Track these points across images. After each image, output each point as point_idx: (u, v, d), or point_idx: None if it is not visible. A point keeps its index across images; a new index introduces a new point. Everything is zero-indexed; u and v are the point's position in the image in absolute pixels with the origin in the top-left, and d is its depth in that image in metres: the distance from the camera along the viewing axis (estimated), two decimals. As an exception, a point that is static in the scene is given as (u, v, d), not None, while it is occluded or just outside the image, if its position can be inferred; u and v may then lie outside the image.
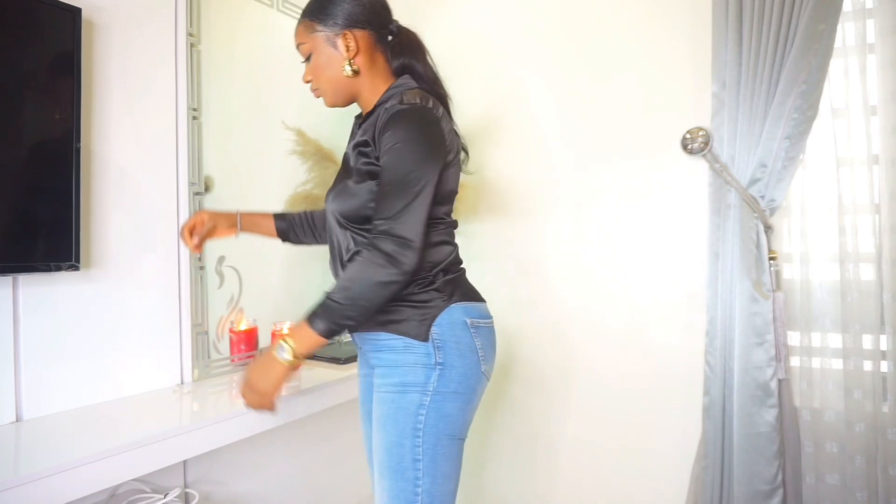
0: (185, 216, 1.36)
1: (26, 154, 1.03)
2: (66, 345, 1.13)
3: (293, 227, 1.32)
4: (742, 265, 1.51)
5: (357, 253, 1.03)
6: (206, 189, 1.43)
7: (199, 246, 1.19)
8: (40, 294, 1.09)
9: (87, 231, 1.16)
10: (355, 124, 1.19)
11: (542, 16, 1.86)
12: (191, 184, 1.37)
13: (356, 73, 1.08)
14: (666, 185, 1.71)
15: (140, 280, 1.26)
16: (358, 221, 1.05)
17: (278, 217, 1.31)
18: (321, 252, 1.83)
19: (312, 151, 1.63)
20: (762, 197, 1.49)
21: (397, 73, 1.12)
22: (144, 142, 1.28)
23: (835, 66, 1.45)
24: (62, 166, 1.07)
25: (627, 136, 1.75)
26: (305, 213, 1.34)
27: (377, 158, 1.00)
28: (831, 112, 1.48)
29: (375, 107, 1.08)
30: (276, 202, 1.61)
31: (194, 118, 1.38)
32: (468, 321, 1.05)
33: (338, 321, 0.97)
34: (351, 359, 1.58)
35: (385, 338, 1.05)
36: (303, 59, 1.12)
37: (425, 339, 1.02)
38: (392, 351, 1.05)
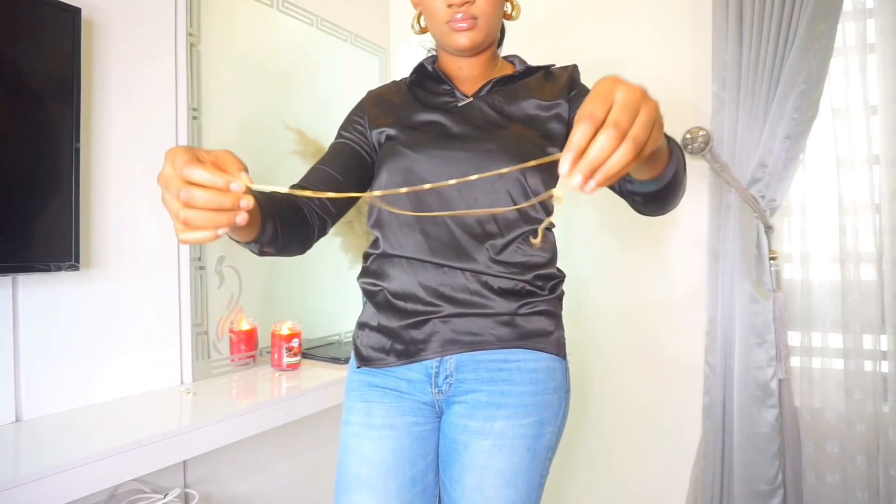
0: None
1: (26, 154, 1.03)
2: (67, 345, 1.13)
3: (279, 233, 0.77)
4: (742, 265, 1.51)
5: None
6: (206, 189, 1.42)
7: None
8: (40, 294, 1.09)
9: (87, 231, 1.16)
10: (495, 83, 0.92)
11: (540, 16, 1.86)
12: (191, 184, 1.37)
13: (513, 18, 0.96)
14: (666, 185, 1.70)
15: (140, 280, 1.26)
16: (536, 194, 0.85)
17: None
18: (322, 251, 1.83)
19: (312, 151, 1.63)
20: (762, 197, 1.49)
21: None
22: (144, 142, 1.27)
23: (835, 66, 1.45)
24: (62, 166, 1.07)
25: (627, 136, 1.75)
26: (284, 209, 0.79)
27: (568, 119, 0.89)
28: (831, 112, 1.48)
29: (525, 71, 0.94)
30: (276, 202, 1.62)
31: (194, 118, 1.38)
32: None
33: (679, 165, 0.67)
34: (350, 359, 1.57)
35: (523, 358, 0.82)
36: None
37: (565, 356, 0.86)
38: (530, 379, 0.81)
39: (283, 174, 1.64)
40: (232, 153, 0.57)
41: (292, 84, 1.71)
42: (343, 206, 0.92)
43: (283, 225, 0.78)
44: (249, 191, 0.54)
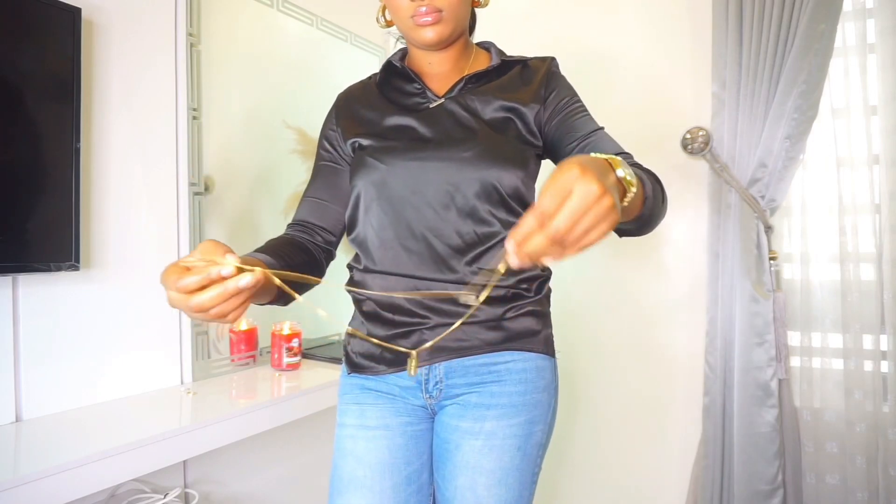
0: (185, 216, 1.35)
1: (26, 154, 1.03)
2: (67, 345, 1.13)
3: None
4: (742, 265, 1.51)
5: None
6: (206, 189, 1.43)
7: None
8: (40, 294, 1.09)
9: (87, 231, 1.16)
10: (467, 80, 0.87)
11: (540, 16, 1.86)
12: (191, 184, 1.37)
13: (482, 5, 0.91)
14: (666, 185, 1.70)
15: (140, 280, 1.26)
16: (514, 198, 0.81)
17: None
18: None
19: (312, 151, 1.63)
20: (762, 197, 1.49)
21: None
22: (144, 142, 1.27)
23: (835, 66, 1.45)
24: (62, 166, 1.07)
25: (627, 137, 1.73)
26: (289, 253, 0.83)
27: (540, 125, 0.86)
28: (831, 112, 1.48)
29: (500, 66, 0.88)
30: (277, 202, 1.61)
31: (194, 118, 1.38)
32: None
33: (652, 202, 0.68)
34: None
35: (511, 359, 0.81)
36: None
37: (554, 354, 0.86)
38: (519, 379, 0.81)
39: (284, 173, 1.64)
40: (214, 242, 0.60)
41: (292, 84, 1.71)
42: (342, 230, 0.95)
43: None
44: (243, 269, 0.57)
